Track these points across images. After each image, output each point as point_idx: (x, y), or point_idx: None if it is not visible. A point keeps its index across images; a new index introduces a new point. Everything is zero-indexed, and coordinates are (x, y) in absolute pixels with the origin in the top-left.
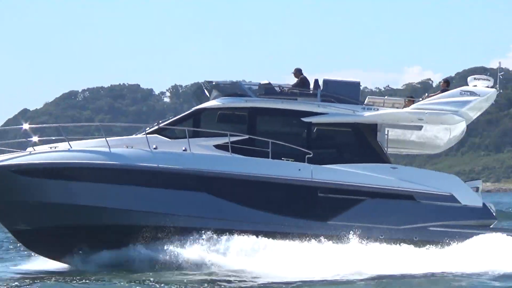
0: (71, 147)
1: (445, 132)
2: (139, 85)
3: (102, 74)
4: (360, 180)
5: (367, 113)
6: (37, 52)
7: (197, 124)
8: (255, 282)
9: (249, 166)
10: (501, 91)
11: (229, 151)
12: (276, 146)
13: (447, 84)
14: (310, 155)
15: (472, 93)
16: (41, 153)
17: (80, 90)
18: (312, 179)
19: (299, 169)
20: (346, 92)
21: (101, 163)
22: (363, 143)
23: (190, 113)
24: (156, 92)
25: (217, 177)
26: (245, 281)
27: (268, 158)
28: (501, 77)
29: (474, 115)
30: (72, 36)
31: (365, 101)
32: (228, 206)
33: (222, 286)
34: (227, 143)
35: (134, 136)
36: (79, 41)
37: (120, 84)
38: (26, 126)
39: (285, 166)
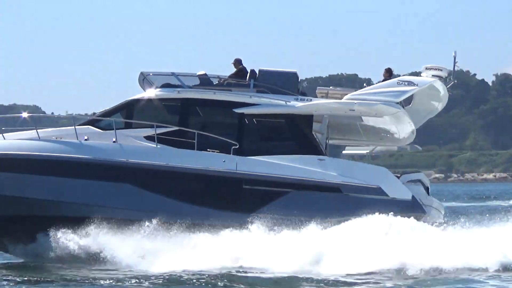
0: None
1: (391, 124)
2: None
3: None
4: (285, 172)
5: (299, 104)
6: None
7: (130, 115)
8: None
9: (172, 157)
10: (455, 81)
11: (158, 143)
12: (205, 137)
13: (389, 74)
14: (236, 146)
15: (409, 83)
16: None
17: None
18: (236, 170)
19: (224, 161)
20: (281, 82)
21: (24, 153)
22: (296, 135)
23: (123, 104)
24: None
25: (140, 168)
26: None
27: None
28: (457, 67)
29: (425, 107)
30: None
31: (316, 92)
32: (152, 197)
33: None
34: (157, 134)
35: (67, 128)
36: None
37: None
38: (25, 114)
39: (210, 158)
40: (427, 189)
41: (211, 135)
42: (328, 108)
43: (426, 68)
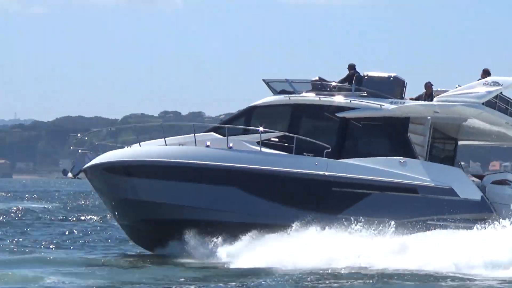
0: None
1: (486, 124)
2: None
3: None
4: (368, 174)
5: (391, 107)
6: None
7: (248, 121)
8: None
9: (269, 161)
10: None
11: (270, 148)
12: (304, 141)
13: (486, 75)
14: (329, 150)
15: (495, 83)
16: (118, 152)
17: None
18: (326, 172)
19: (316, 164)
20: (385, 87)
21: (153, 160)
22: (391, 137)
23: (244, 111)
24: None
25: (242, 171)
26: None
27: (294, 153)
28: None
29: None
30: None
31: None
32: (255, 201)
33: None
34: (268, 139)
35: (190, 135)
36: None
37: None
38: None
39: (303, 161)
40: None
41: (307, 138)
42: (413, 110)
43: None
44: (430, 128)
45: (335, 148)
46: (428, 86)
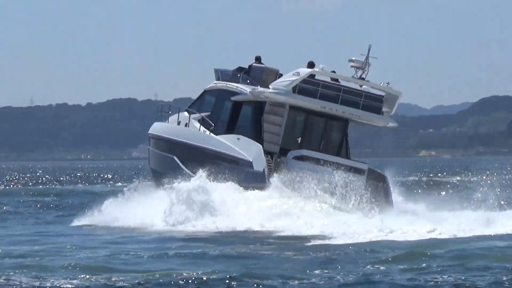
0: None
1: None
2: None
3: None
4: (216, 146)
5: (245, 90)
6: None
7: (200, 102)
8: None
9: (187, 136)
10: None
11: (204, 124)
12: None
13: (310, 66)
14: (213, 127)
15: (296, 73)
16: None
17: None
18: (202, 144)
19: (203, 139)
20: (257, 75)
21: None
22: (251, 117)
23: (200, 94)
24: None
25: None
26: None
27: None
28: (370, 63)
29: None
30: None
31: None
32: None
33: None
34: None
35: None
36: None
37: None
38: None
39: (200, 136)
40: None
41: (207, 119)
42: (258, 95)
43: (349, 60)
44: (286, 111)
45: (228, 125)
46: (308, 64)
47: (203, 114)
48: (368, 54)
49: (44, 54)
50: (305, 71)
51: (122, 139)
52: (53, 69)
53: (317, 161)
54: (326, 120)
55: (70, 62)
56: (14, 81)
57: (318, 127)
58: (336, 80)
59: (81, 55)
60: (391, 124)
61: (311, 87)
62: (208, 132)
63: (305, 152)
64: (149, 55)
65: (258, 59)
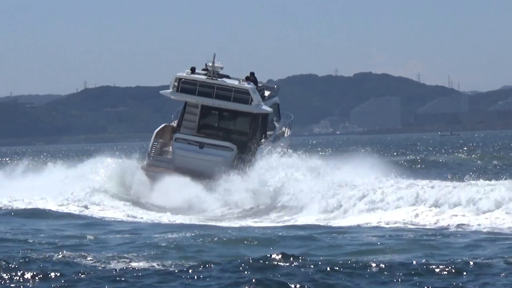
0: None
1: None
2: None
3: None
4: None
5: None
6: None
7: None
8: None
9: None
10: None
11: None
12: None
13: (250, 76)
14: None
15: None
16: None
17: None
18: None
19: None
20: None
21: None
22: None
23: None
24: None
25: None
26: None
27: None
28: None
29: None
30: None
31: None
32: None
33: None
34: None
35: None
36: None
37: None
38: None
39: None
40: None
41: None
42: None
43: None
44: (199, 108)
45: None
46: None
47: None
48: (213, 61)
49: None
50: (181, 74)
51: None
52: None
53: (189, 141)
54: (220, 112)
55: None
56: None
57: (213, 117)
58: (223, 76)
59: None
60: (264, 110)
61: (191, 86)
62: None
63: (180, 135)
64: None
65: (251, 75)
